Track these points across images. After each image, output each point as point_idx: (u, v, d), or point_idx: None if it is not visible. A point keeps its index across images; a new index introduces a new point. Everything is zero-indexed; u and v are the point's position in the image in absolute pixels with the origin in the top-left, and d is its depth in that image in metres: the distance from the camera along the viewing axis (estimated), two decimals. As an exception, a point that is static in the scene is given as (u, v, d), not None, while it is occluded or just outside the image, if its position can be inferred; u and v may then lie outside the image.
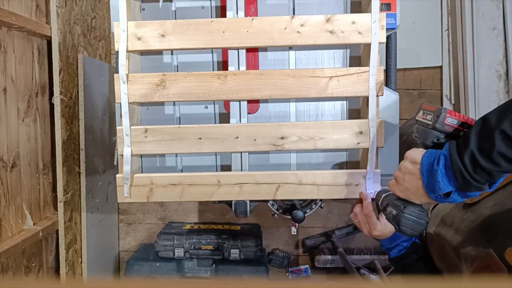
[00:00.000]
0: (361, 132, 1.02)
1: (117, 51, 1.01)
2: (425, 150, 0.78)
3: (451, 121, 0.79)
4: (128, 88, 1.02)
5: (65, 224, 1.59)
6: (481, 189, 0.69)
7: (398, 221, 0.81)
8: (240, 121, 1.07)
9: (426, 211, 0.83)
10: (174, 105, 1.13)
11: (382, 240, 1.01)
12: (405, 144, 1.23)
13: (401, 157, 1.12)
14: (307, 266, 2.10)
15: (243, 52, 1.06)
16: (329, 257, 2.02)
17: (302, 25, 1.00)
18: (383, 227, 0.97)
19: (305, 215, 1.25)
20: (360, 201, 1.02)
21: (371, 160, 1.01)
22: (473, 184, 0.68)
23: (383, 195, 0.90)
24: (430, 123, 0.81)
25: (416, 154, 0.78)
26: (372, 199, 1.00)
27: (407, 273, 1.01)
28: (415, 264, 1.00)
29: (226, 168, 1.12)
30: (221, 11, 1.09)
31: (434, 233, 0.94)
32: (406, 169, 0.79)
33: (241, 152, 1.08)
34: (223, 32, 1.01)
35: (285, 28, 1.00)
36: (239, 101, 1.06)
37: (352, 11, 1.08)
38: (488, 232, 0.77)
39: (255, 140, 1.03)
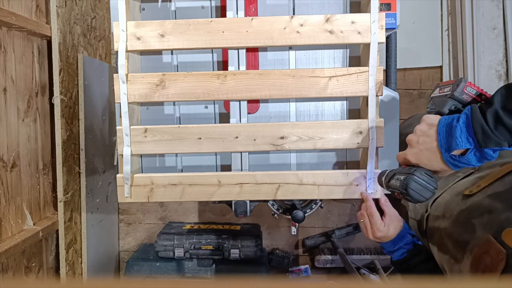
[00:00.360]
0: (361, 132, 1.02)
1: (117, 51, 1.01)
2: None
3: (470, 91, 0.79)
4: (127, 88, 1.02)
5: (65, 224, 1.59)
6: (500, 145, 0.68)
7: (407, 184, 0.78)
8: (240, 121, 1.07)
9: (434, 177, 0.80)
10: (174, 105, 1.13)
11: (384, 243, 1.01)
12: (404, 144, 1.23)
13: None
14: (307, 266, 2.10)
15: (243, 52, 1.06)
16: (329, 257, 2.02)
17: (301, 25, 1.00)
18: (386, 228, 0.97)
19: (305, 215, 1.25)
20: (363, 201, 1.02)
21: (371, 160, 1.01)
22: (493, 138, 0.67)
23: (387, 171, 0.88)
24: (449, 92, 0.81)
25: (434, 117, 0.77)
26: (374, 199, 1.00)
27: (410, 274, 1.00)
28: (418, 266, 1.00)
29: (226, 168, 1.12)
30: (221, 11, 1.09)
31: (433, 227, 0.94)
32: (422, 131, 0.78)
33: (241, 152, 1.08)
34: (223, 32, 1.01)
35: (285, 28, 1.00)
36: (239, 101, 1.07)
37: (352, 11, 1.08)
38: (485, 219, 0.76)
39: (255, 140, 1.03)
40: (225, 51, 1.09)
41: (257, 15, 1.05)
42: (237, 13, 1.05)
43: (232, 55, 1.05)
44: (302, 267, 2.10)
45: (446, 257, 0.88)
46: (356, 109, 1.10)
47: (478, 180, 0.87)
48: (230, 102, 1.07)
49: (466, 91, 0.79)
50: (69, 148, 1.61)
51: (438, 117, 0.77)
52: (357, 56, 1.09)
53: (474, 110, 0.70)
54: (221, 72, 1.03)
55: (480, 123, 0.68)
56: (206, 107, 1.13)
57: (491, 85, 2.00)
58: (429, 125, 0.77)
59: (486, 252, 0.71)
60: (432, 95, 0.87)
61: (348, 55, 1.09)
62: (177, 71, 1.12)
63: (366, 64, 1.02)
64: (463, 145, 0.71)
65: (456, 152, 0.73)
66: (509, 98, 0.67)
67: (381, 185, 0.92)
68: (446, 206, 0.92)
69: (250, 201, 1.15)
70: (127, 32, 1.02)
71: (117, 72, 1.02)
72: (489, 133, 0.67)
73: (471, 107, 0.71)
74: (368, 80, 1.00)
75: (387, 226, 0.97)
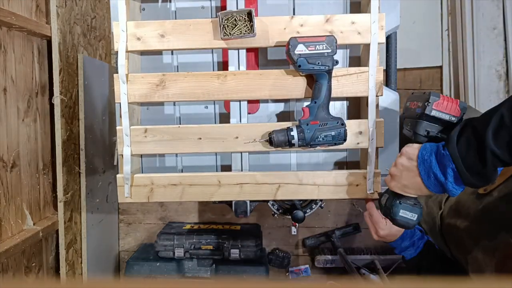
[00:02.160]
0: (361, 132, 1.02)
1: (117, 51, 1.01)
2: (420, 146, 0.77)
3: (439, 115, 0.79)
4: (127, 88, 1.02)
5: (65, 224, 1.59)
6: (491, 179, 0.68)
7: (394, 213, 0.82)
8: (240, 121, 1.07)
9: (420, 203, 0.83)
10: (174, 105, 1.13)
11: (393, 242, 1.00)
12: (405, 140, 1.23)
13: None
14: (307, 266, 2.10)
15: (243, 52, 1.06)
16: (329, 257, 2.02)
17: (301, 25, 1.00)
18: (389, 226, 0.97)
19: (305, 215, 1.25)
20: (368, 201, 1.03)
21: (371, 160, 1.01)
22: (490, 175, 0.67)
23: (384, 192, 0.91)
24: (420, 110, 0.80)
25: (412, 150, 0.77)
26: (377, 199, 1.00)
27: (423, 274, 0.99)
28: (432, 265, 0.99)
29: (226, 168, 1.12)
30: (221, 11, 1.09)
31: (450, 225, 0.94)
32: (403, 166, 0.78)
33: (241, 152, 1.08)
34: (223, 32, 1.01)
35: (285, 28, 1.00)
36: (239, 101, 1.06)
37: (352, 12, 1.08)
38: (504, 222, 0.76)
39: (255, 140, 1.03)
40: (225, 51, 1.09)
41: (257, 15, 1.05)
42: (237, 13, 1.05)
43: (232, 55, 1.05)
44: (302, 267, 2.10)
45: (464, 254, 0.87)
46: (356, 109, 1.10)
47: None
48: (230, 102, 1.07)
49: (435, 112, 0.78)
50: (69, 148, 1.61)
51: (416, 150, 0.76)
52: (357, 56, 1.09)
53: (455, 157, 0.69)
54: (221, 72, 1.03)
55: (472, 169, 0.67)
56: (206, 107, 1.13)
57: (491, 85, 2.00)
58: (409, 159, 0.77)
59: (509, 256, 0.71)
60: (405, 105, 0.87)
61: (348, 55, 1.09)
62: (177, 71, 1.12)
63: (366, 64, 1.02)
64: (457, 192, 0.72)
65: None
66: (498, 131, 0.64)
67: (379, 203, 0.94)
68: (461, 205, 0.92)
69: (250, 201, 1.15)
70: (127, 32, 1.02)
71: (117, 72, 1.02)
72: (483, 173, 0.67)
73: (450, 154, 0.69)
74: (368, 80, 1.00)
75: (389, 223, 0.97)
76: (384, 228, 0.98)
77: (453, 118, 0.79)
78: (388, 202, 0.85)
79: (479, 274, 0.81)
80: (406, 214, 0.81)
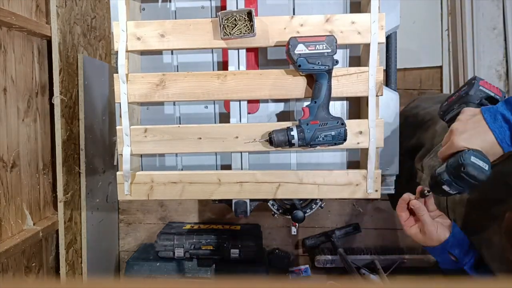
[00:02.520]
0: (361, 132, 1.02)
1: (117, 51, 1.01)
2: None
3: (484, 91, 0.82)
4: (127, 88, 1.02)
5: (65, 224, 1.59)
6: None
7: (463, 159, 0.71)
8: (240, 121, 1.07)
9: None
10: (174, 105, 1.13)
11: (432, 249, 0.87)
12: (409, 127, 1.22)
13: (402, 157, 1.12)
14: (307, 266, 2.10)
15: (243, 52, 1.06)
16: (329, 257, 2.02)
17: (301, 25, 1.00)
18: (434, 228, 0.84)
19: (305, 215, 1.25)
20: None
21: (371, 160, 1.01)
22: None
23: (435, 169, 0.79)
24: (464, 94, 0.83)
25: (473, 108, 0.77)
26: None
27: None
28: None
29: (226, 168, 1.12)
30: (221, 11, 1.09)
31: (454, 199, 0.93)
32: (468, 116, 0.75)
33: (241, 152, 1.08)
34: (223, 32, 1.01)
35: (285, 28, 1.00)
36: (239, 101, 1.06)
37: (352, 11, 1.08)
38: (509, 188, 0.76)
39: (255, 139, 1.03)
40: (225, 51, 1.09)
41: (257, 15, 1.05)
42: (237, 13, 1.05)
43: (232, 55, 1.05)
44: (302, 267, 2.10)
45: (470, 227, 0.86)
46: (356, 109, 1.10)
47: None
48: (230, 102, 1.07)
49: (483, 88, 0.82)
50: (69, 148, 1.61)
51: (477, 108, 0.76)
52: (357, 56, 1.09)
53: None
54: (221, 72, 1.03)
55: None
56: (206, 107, 1.13)
57: (491, 85, 2.00)
58: (471, 114, 0.75)
59: None
60: (444, 104, 0.88)
61: (348, 55, 1.09)
62: (177, 71, 1.12)
63: (366, 64, 1.02)
64: None
65: None
66: None
67: (434, 185, 0.79)
68: None
69: (250, 201, 1.15)
70: (127, 32, 1.02)
71: (117, 72, 1.02)
72: None
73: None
74: (368, 80, 1.00)
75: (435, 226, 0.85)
76: (430, 224, 0.83)
77: (497, 97, 0.82)
78: (451, 160, 0.74)
79: (483, 243, 0.80)
80: (478, 161, 0.71)
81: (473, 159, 0.71)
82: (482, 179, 0.72)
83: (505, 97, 0.81)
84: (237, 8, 1.05)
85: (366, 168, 1.02)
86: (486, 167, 0.71)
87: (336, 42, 0.95)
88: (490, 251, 0.79)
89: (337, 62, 0.96)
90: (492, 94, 0.82)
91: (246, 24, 0.98)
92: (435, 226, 0.84)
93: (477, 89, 0.82)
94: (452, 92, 0.88)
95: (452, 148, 0.75)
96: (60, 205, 1.58)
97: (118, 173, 1.05)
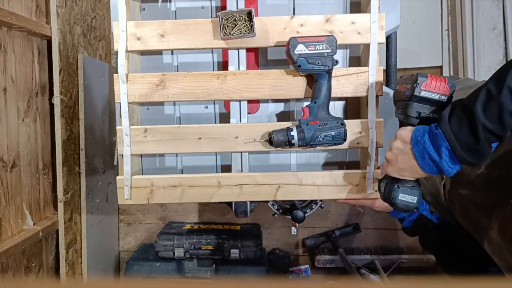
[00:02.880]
0: (361, 132, 1.02)
1: (117, 51, 1.01)
2: (413, 128, 0.77)
3: (428, 95, 0.79)
4: (127, 88, 1.02)
5: (65, 224, 1.59)
6: (485, 154, 0.68)
7: (392, 199, 0.83)
8: (240, 121, 1.07)
9: (419, 185, 0.84)
10: (174, 105, 1.13)
11: (390, 213, 1.07)
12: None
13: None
14: (307, 266, 2.10)
15: (243, 52, 1.06)
16: (329, 257, 2.02)
17: (301, 25, 1.00)
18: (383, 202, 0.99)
19: (305, 215, 1.25)
20: None
21: (371, 160, 1.01)
22: (483, 151, 0.67)
23: (382, 178, 0.92)
24: (409, 92, 0.80)
25: (406, 133, 0.78)
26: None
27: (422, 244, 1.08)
28: (427, 235, 1.06)
29: (226, 168, 1.12)
30: (221, 11, 1.09)
31: (452, 193, 0.94)
32: (398, 149, 0.79)
33: (241, 152, 1.08)
34: (223, 32, 1.01)
35: (285, 28, 1.00)
36: (239, 101, 1.06)
37: (352, 12, 1.08)
38: (505, 183, 0.76)
39: (255, 140, 1.03)
40: (225, 51, 1.09)
41: (257, 15, 1.05)
42: (237, 13, 1.05)
43: (232, 55, 1.05)
44: (302, 267, 2.10)
45: (469, 221, 0.88)
46: (356, 109, 1.10)
47: None
48: (230, 102, 1.07)
49: (425, 93, 0.79)
50: (69, 148, 1.61)
51: (409, 132, 0.77)
52: (357, 56, 1.09)
53: (447, 135, 0.70)
54: (221, 72, 1.03)
55: (466, 146, 0.68)
56: (206, 107, 1.13)
57: (491, 85, 2.00)
58: (403, 142, 0.78)
59: (509, 218, 0.71)
60: (395, 89, 0.88)
61: (348, 55, 1.09)
62: (177, 71, 1.12)
63: (366, 64, 1.01)
64: (453, 171, 0.72)
65: None
66: (487, 103, 0.65)
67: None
68: (461, 172, 0.92)
69: (250, 201, 1.15)
70: (127, 32, 1.02)
71: (117, 72, 1.02)
72: (477, 149, 0.67)
73: (443, 132, 0.70)
74: (368, 80, 1.00)
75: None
76: (379, 205, 1.03)
77: (443, 97, 0.78)
78: (387, 187, 0.86)
79: (485, 238, 0.82)
80: (405, 197, 0.83)
81: (401, 196, 0.83)
82: (411, 210, 0.84)
83: (453, 91, 0.79)
84: (237, 8, 1.05)
85: (366, 168, 1.02)
86: (414, 199, 0.83)
87: (336, 42, 0.95)
88: (490, 246, 0.80)
89: (337, 62, 0.96)
90: (436, 97, 0.78)
91: (246, 24, 0.98)
92: None
93: (418, 96, 0.78)
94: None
95: (388, 173, 0.85)
96: (60, 205, 1.57)
97: (118, 177, 1.05)
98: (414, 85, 0.78)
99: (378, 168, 1.03)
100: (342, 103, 1.10)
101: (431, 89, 0.78)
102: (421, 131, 0.75)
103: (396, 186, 0.83)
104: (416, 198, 0.83)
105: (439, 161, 0.72)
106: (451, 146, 0.69)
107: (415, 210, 0.90)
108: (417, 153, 0.75)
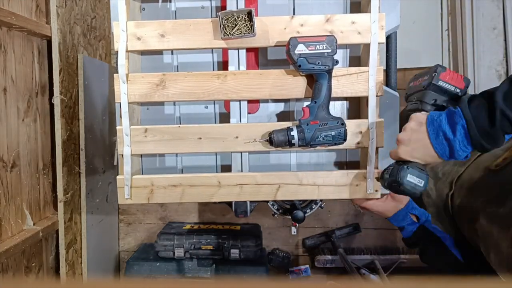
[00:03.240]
0: (361, 132, 1.02)
1: (117, 51, 1.01)
2: (429, 112, 0.78)
3: (445, 85, 0.81)
4: (128, 88, 1.02)
5: (65, 224, 1.59)
6: (498, 142, 0.70)
7: (400, 178, 0.81)
8: (240, 121, 1.07)
9: (427, 172, 0.83)
10: (174, 105, 1.13)
11: (389, 218, 1.04)
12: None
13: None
14: (307, 266, 2.10)
15: (243, 52, 1.06)
16: (329, 257, 2.02)
17: (301, 25, 1.00)
18: (383, 203, 1.00)
19: (305, 215, 1.25)
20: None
21: (371, 160, 1.01)
22: (497, 136, 0.69)
23: (387, 167, 0.92)
24: (427, 82, 0.82)
25: (421, 115, 0.79)
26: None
27: (424, 257, 1.04)
28: (426, 247, 1.02)
29: (226, 168, 1.12)
30: (221, 11, 1.09)
31: (462, 205, 0.93)
32: (412, 129, 0.80)
33: (241, 152, 1.08)
34: (223, 32, 1.01)
35: (285, 28, 1.00)
36: (239, 101, 1.06)
37: (352, 11, 1.08)
38: None
39: (255, 139, 1.03)
40: (225, 51, 1.09)
41: (257, 15, 1.05)
42: (237, 13, 1.05)
43: (232, 55, 1.05)
44: (302, 267, 2.10)
45: (477, 232, 0.87)
46: (356, 109, 1.10)
47: (502, 152, 0.87)
48: (230, 102, 1.07)
49: (442, 83, 0.80)
50: (69, 148, 1.61)
51: (425, 115, 0.79)
52: (357, 56, 1.09)
53: (466, 115, 0.71)
54: (222, 72, 1.03)
55: (481, 128, 0.69)
56: (206, 107, 1.13)
57: (491, 85, 1.98)
58: (418, 123, 0.79)
59: None
60: (409, 85, 0.88)
61: (348, 55, 1.09)
62: (177, 71, 1.12)
63: (366, 64, 1.01)
64: (462, 153, 0.72)
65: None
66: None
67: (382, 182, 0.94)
68: (473, 182, 0.92)
69: (250, 201, 1.15)
70: (127, 32, 1.02)
71: (117, 72, 1.02)
72: (492, 133, 0.69)
73: (469, 112, 0.72)
74: (368, 80, 1.00)
75: (384, 200, 1.01)
76: (378, 204, 1.01)
77: (458, 90, 0.82)
78: (394, 170, 0.84)
79: (494, 249, 0.81)
80: (414, 179, 0.81)
81: (409, 177, 0.80)
82: (417, 195, 0.82)
83: (467, 87, 0.81)
84: (237, 8, 1.05)
85: (366, 168, 1.02)
86: (422, 183, 0.80)
87: (336, 42, 0.95)
88: (498, 256, 0.80)
89: (337, 62, 0.96)
90: (452, 89, 0.81)
91: (246, 24, 0.98)
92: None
93: (435, 84, 0.81)
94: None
95: (397, 157, 0.84)
96: (60, 205, 1.58)
97: (118, 177, 1.05)
98: (433, 74, 0.81)
99: (378, 168, 1.03)
100: (342, 103, 1.10)
101: (448, 80, 0.81)
102: (437, 113, 0.77)
103: (405, 166, 0.81)
104: (423, 181, 0.81)
105: (452, 139, 0.72)
106: (467, 125, 0.71)
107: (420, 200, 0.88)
108: (431, 132, 0.76)
